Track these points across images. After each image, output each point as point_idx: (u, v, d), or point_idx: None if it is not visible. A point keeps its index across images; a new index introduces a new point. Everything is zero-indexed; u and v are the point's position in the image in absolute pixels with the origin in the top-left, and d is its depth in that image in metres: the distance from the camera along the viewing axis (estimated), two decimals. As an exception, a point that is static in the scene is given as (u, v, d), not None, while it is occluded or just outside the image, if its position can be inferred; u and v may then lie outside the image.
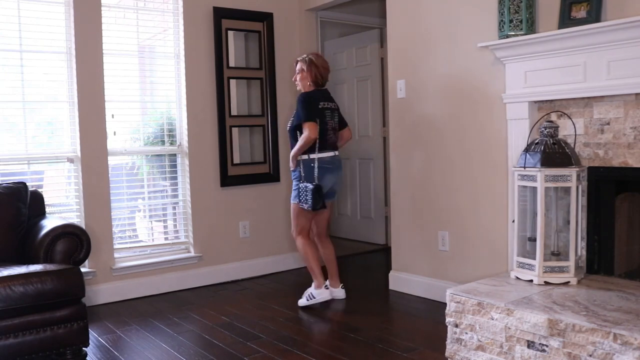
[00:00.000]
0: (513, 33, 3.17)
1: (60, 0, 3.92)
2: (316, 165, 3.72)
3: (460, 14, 3.62)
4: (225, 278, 4.58)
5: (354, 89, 5.95)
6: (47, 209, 3.64)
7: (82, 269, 3.37)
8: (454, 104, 3.71)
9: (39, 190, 3.66)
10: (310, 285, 3.89)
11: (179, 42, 4.41)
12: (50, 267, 2.89)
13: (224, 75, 4.54)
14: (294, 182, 3.83)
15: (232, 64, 4.59)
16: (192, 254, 4.46)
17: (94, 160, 4.02)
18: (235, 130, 4.62)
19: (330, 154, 3.79)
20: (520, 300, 2.61)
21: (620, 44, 2.77)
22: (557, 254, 2.93)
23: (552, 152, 2.85)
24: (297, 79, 3.85)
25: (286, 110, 4.81)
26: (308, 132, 3.64)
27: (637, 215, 3.15)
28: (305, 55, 3.86)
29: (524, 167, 2.91)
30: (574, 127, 3.00)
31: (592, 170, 3.01)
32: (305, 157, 3.74)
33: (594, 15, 2.88)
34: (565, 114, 3.06)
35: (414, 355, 2.94)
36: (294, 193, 3.82)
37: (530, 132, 3.18)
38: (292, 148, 3.81)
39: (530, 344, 2.48)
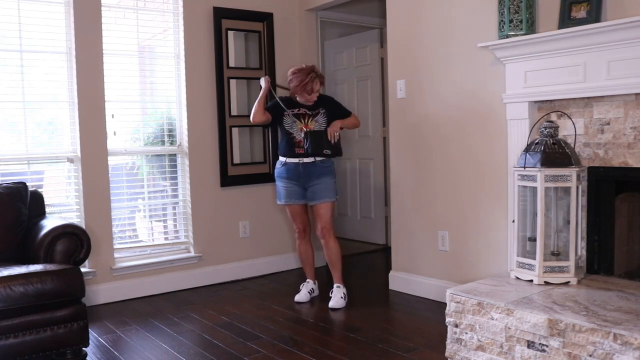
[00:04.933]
0: (513, 33, 3.16)
1: (60, 0, 3.92)
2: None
3: (460, 14, 3.62)
4: (225, 278, 4.58)
5: (354, 89, 5.94)
6: (47, 209, 3.64)
7: (82, 269, 3.37)
8: (454, 104, 3.71)
9: (39, 190, 3.66)
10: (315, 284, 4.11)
11: (179, 42, 4.41)
12: (50, 267, 2.90)
13: (224, 75, 4.54)
14: None
15: (232, 64, 4.59)
16: (192, 254, 4.46)
17: (94, 160, 4.02)
18: (235, 130, 4.62)
19: (282, 160, 3.87)
20: (520, 300, 2.61)
21: (620, 44, 2.77)
22: (557, 254, 2.94)
23: (552, 152, 2.85)
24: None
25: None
26: None
27: (637, 215, 3.15)
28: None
29: (524, 167, 2.91)
30: (574, 127, 3.00)
31: (592, 170, 3.01)
32: None
33: (594, 15, 2.88)
34: (565, 114, 3.06)
35: (414, 355, 2.94)
36: None
37: (530, 132, 3.18)
38: None
39: (530, 344, 2.48)
